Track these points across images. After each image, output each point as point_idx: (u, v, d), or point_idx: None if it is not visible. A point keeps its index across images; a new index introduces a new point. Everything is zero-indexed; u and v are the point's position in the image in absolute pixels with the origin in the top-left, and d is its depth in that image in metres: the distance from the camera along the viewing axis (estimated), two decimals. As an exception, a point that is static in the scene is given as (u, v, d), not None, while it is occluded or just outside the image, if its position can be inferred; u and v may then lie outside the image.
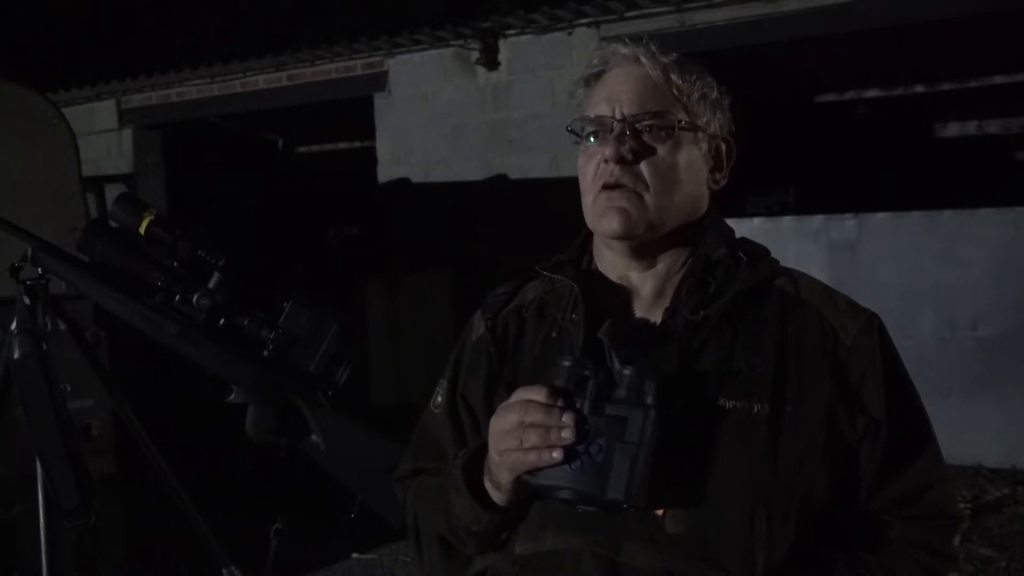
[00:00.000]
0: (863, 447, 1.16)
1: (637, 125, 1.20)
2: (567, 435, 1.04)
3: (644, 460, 1.04)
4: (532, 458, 1.06)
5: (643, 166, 1.19)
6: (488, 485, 1.16)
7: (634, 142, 1.19)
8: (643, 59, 1.22)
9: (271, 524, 2.03)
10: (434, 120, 6.90)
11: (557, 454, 1.04)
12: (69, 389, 2.33)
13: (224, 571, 2.12)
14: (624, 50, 1.24)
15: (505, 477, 1.11)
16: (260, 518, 2.09)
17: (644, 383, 1.06)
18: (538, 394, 1.07)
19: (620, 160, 1.18)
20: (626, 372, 1.08)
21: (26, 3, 11.58)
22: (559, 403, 1.06)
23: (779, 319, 1.19)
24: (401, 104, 7.05)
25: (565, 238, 1.35)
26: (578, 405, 1.06)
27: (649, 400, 1.05)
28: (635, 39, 1.25)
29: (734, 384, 1.15)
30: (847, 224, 6.06)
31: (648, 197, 1.18)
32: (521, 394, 1.09)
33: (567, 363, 1.10)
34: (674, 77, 1.22)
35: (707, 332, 1.17)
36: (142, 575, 3.55)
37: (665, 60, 1.23)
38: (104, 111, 8.64)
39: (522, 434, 1.06)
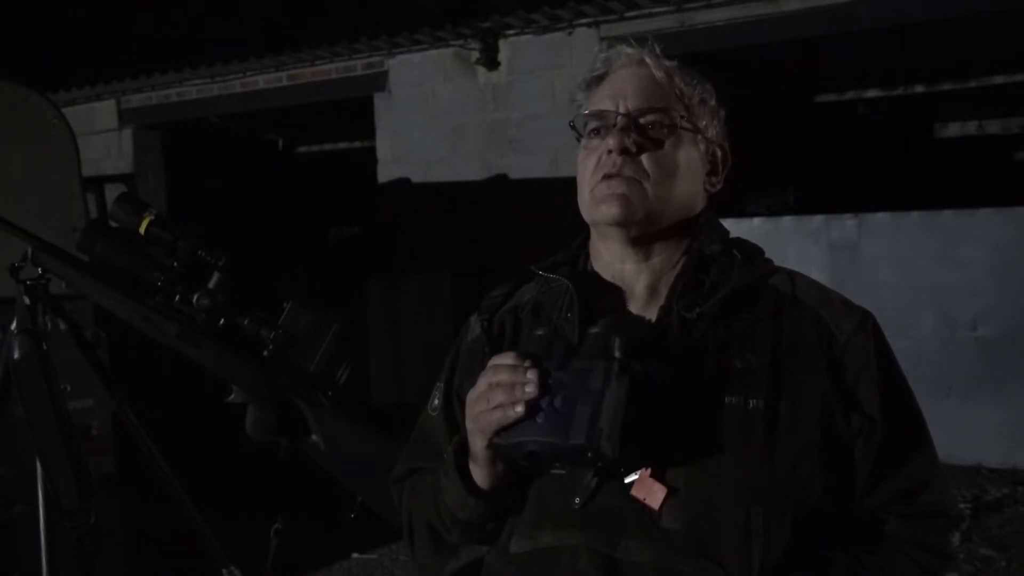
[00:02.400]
0: (858, 445, 1.16)
1: (641, 120, 1.21)
2: (530, 389, 1.07)
3: (610, 407, 1.03)
4: (498, 415, 1.08)
5: (644, 159, 1.20)
6: (471, 465, 1.18)
7: (637, 135, 1.20)
8: (648, 60, 1.25)
9: (271, 524, 2.03)
10: (434, 120, 6.90)
11: (520, 408, 1.07)
12: (69, 389, 2.32)
13: (224, 571, 2.12)
14: (629, 51, 1.26)
15: (479, 444, 1.13)
16: (260, 518, 2.09)
17: (611, 339, 1.07)
18: (506, 358, 1.10)
19: (624, 151, 1.19)
20: (594, 331, 1.09)
21: (26, 3, 11.58)
22: (525, 364, 1.08)
23: (774, 317, 1.19)
24: (401, 104, 7.05)
25: (565, 238, 1.36)
26: (545, 366, 1.08)
27: (617, 354, 1.06)
28: (639, 40, 1.27)
29: (730, 380, 1.15)
30: (847, 224, 6.05)
31: (648, 186, 1.19)
32: (491, 361, 1.12)
33: (539, 333, 1.14)
34: (677, 79, 1.24)
35: (702, 329, 1.18)
36: (142, 575, 3.55)
37: (668, 63, 1.25)
38: (104, 111, 8.65)
39: (489, 395, 1.09)
